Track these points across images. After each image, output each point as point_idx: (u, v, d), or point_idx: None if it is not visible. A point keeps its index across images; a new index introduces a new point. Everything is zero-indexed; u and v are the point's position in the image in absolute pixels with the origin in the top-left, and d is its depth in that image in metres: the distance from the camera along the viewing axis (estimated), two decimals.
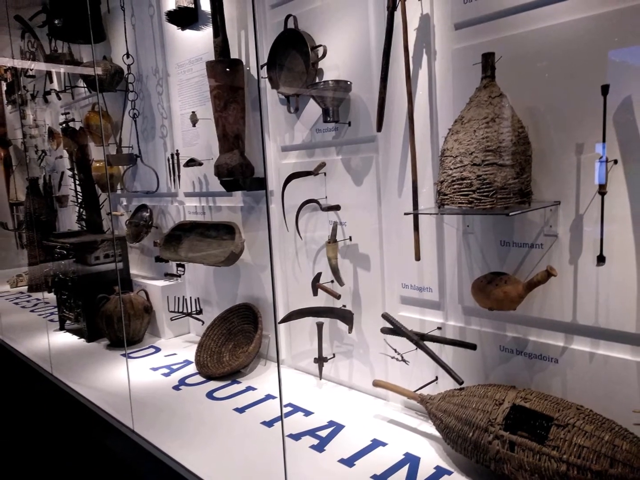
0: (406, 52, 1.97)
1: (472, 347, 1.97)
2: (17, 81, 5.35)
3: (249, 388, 2.68)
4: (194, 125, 3.11)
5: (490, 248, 1.96)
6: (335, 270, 2.46)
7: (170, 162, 3.43)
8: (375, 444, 2.05)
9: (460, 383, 1.92)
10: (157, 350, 3.38)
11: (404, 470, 1.85)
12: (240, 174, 2.79)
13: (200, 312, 3.42)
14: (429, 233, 2.13)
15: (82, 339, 3.66)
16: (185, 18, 3.12)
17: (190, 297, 3.48)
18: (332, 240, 2.43)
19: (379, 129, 2.10)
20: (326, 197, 2.53)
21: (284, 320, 2.67)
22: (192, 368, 2.98)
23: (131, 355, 3.30)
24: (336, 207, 2.47)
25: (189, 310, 3.42)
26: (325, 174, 2.52)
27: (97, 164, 4.23)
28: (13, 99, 5.51)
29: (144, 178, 3.86)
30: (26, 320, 4.29)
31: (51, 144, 5.07)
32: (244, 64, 2.87)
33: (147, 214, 3.79)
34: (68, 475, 2.70)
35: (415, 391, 2.11)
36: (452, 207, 1.71)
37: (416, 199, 2.01)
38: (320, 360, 2.61)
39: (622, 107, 1.58)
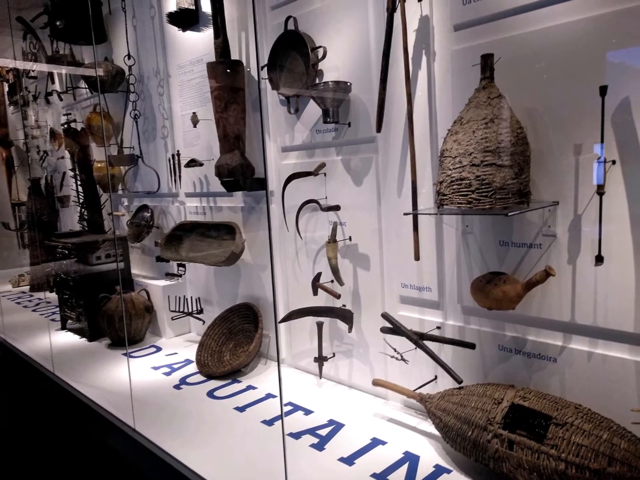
0: (406, 53, 1.98)
1: (471, 346, 1.98)
2: (19, 82, 5.36)
3: (250, 387, 2.69)
4: (194, 126, 3.13)
5: (489, 248, 1.97)
6: (335, 270, 2.47)
7: (171, 162, 3.44)
8: (375, 442, 2.06)
9: (460, 382, 1.93)
10: (158, 349, 3.39)
11: (404, 468, 1.86)
12: (240, 174, 2.81)
13: (201, 311, 3.43)
14: (428, 233, 2.14)
15: (84, 339, 3.68)
16: (186, 19, 3.13)
17: (191, 297, 3.49)
18: (332, 240, 2.44)
19: (379, 129, 2.11)
20: (326, 198, 2.54)
21: (284, 319, 2.68)
22: (192, 367, 2.99)
23: (132, 354, 3.31)
24: (336, 207, 2.48)
25: (190, 310, 3.43)
26: (325, 174, 2.53)
27: (99, 165, 4.24)
28: (15, 99, 5.53)
29: (145, 178, 3.88)
30: (28, 320, 4.31)
31: (53, 144, 5.08)
32: (245, 65, 2.88)
33: (148, 214, 3.80)
34: (70, 474, 2.71)
35: (414, 390, 2.12)
36: (451, 207, 1.72)
37: (415, 199, 2.02)
38: (320, 359, 2.62)
39: (620, 108, 1.59)
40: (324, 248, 2.54)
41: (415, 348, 2.11)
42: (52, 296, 4.26)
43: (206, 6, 3.03)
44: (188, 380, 2.82)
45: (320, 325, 2.59)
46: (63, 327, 3.97)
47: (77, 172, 4.44)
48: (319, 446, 2.06)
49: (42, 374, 3.20)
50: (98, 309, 3.49)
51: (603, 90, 1.56)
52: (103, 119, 3.84)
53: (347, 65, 2.35)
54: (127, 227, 3.96)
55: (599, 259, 1.65)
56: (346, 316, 2.47)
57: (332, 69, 2.42)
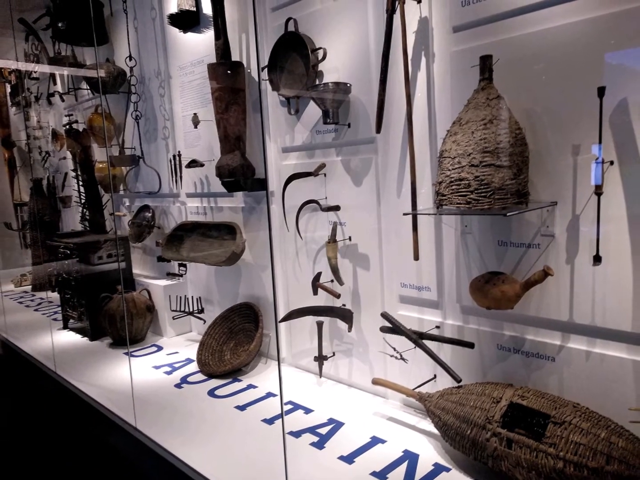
0: (405, 54, 1.99)
1: (470, 345, 1.99)
2: (22, 83, 5.38)
3: (250, 386, 2.70)
4: (195, 127, 3.14)
5: (488, 248, 1.98)
6: (335, 270, 2.48)
7: (172, 163, 3.45)
8: (375, 441, 2.07)
9: (459, 381, 1.94)
10: (159, 348, 3.40)
11: (403, 467, 1.87)
12: (241, 174, 2.82)
13: (201, 311, 3.44)
14: (427, 233, 2.15)
15: (85, 338, 3.69)
16: (187, 21, 3.15)
17: (192, 297, 3.50)
18: (332, 240, 2.45)
19: (378, 130, 2.12)
20: (326, 198, 2.55)
21: (285, 319, 2.69)
22: (193, 366, 3.01)
23: (134, 353, 3.32)
24: (336, 208, 2.49)
25: (191, 310, 3.44)
26: (325, 174, 2.54)
27: (100, 165, 4.26)
28: (17, 100, 5.54)
29: (146, 179, 3.89)
30: (30, 319, 4.33)
31: (55, 145, 5.10)
32: (245, 66, 2.89)
33: (150, 215, 3.82)
34: (71, 472, 2.72)
35: (414, 389, 2.13)
36: (451, 207, 1.73)
37: (415, 200, 2.03)
38: (320, 358, 2.63)
39: (618, 109, 1.60)
40: (324, 248, 2.55)
41: (415, 347, 2.12)
42: (54, 296, 4.27)
43: (207, 8, 3.04)
44: (189, 379, 2.84)
45: (320, 325, 2.60)
46: (65, 327, 3.98)
47: (79, 173, 4.46)
48: (319, 445, 2.07)
49: (44, 373, 3.22)
50: (100, 309, 3.50)
51: (601, 92, 1.57)
52: (104, 119, 3.85)
53: (346, 66, 2.36)
54: (129, 227, 3.97)
55: (597, 259, 1.66)
56: (346, 315, 2.48)
57: (332, 70, 2.43)
